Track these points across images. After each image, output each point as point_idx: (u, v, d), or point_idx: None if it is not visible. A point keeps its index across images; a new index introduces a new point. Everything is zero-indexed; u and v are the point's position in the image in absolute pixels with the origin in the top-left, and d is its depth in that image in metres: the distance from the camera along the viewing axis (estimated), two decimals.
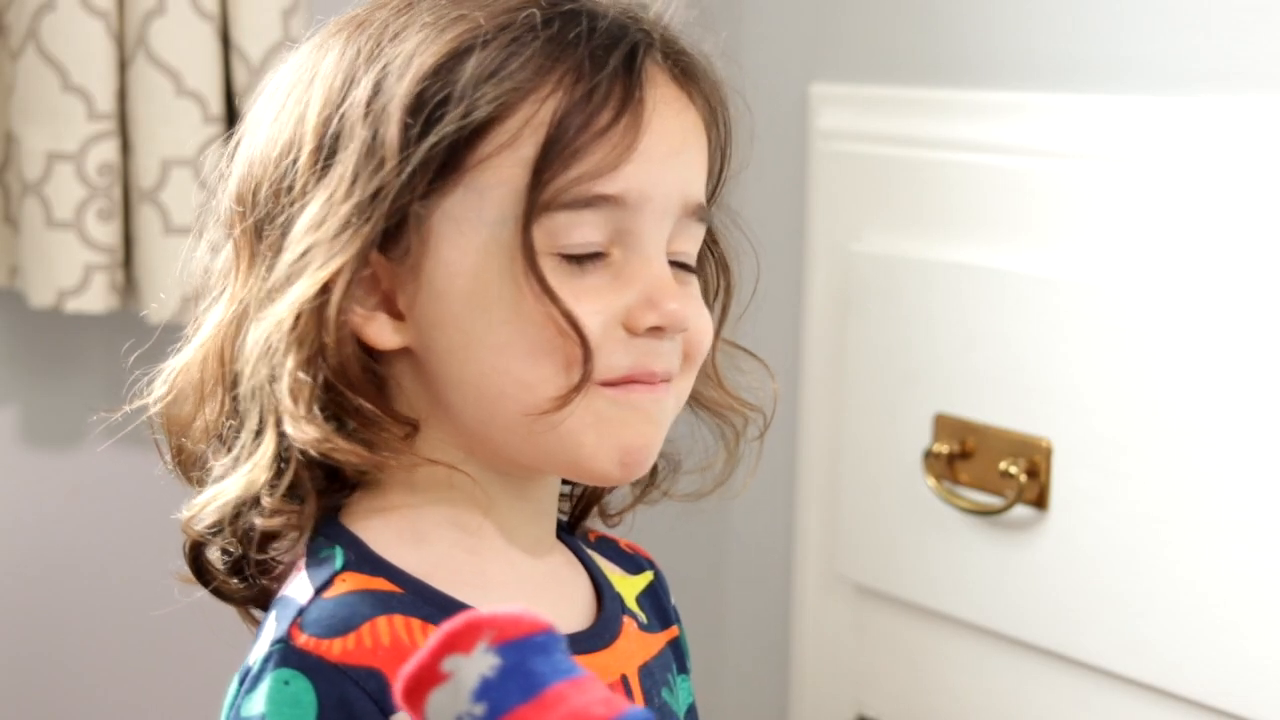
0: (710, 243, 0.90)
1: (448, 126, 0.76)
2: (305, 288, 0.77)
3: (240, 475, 0.82)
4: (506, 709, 0.64)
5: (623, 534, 0.98)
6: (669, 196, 0.81)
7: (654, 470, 0.92)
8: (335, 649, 0.76)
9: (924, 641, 1.57)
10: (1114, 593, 1.37)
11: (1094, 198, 1.39)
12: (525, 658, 0.65)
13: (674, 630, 0.95)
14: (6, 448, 1.59)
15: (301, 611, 0.78)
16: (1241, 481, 1.27)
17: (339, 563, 0.81)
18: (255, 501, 0.82)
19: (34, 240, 1.46)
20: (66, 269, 1.46)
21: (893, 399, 1.56)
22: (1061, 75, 1.44)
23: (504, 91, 0.77)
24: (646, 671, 0.88)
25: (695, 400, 0.90)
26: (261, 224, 0.81)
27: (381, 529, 0.82)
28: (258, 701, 0.76)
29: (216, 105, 1.49)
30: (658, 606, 0.94)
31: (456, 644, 0.65)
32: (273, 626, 0.79)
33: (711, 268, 0.91)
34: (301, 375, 0.77)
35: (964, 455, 1.50)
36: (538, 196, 0.77)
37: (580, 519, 0.94)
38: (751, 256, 0.95)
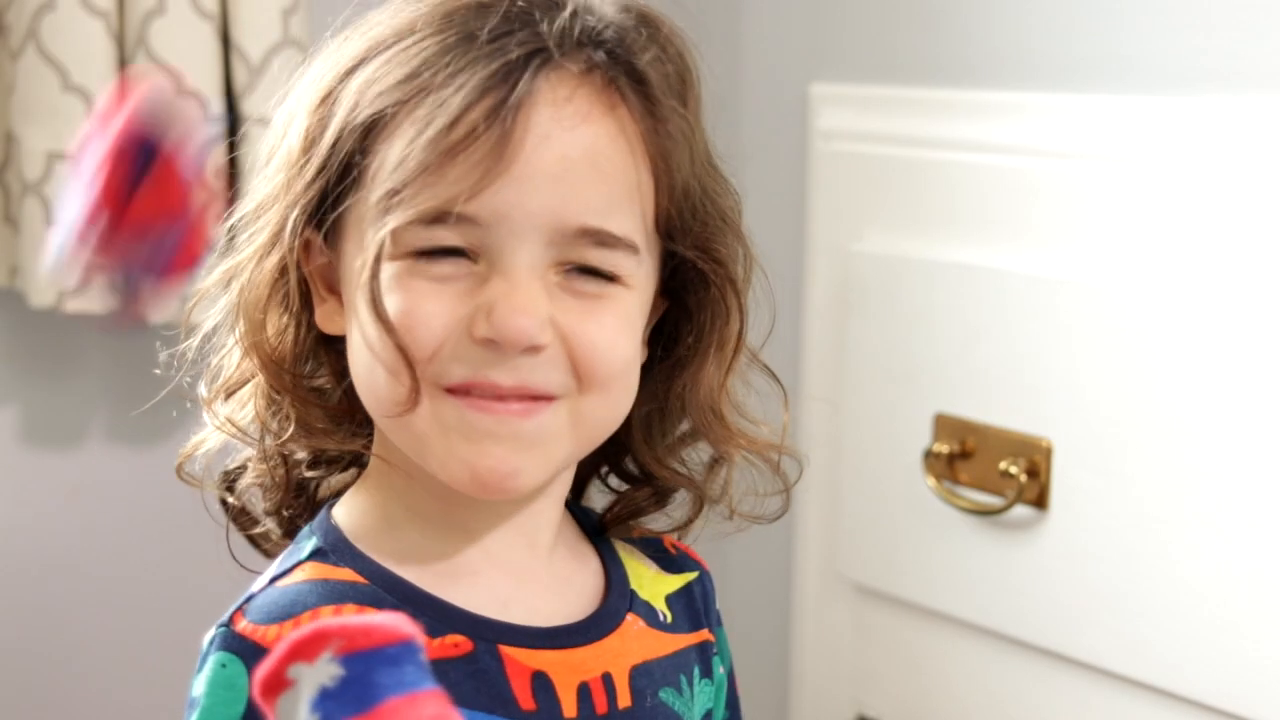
0: (704, 264, 0.85)
1: (333, 131, 0.79)
2: (242, 273, 0.84)
3: (210, 430, 0.89)
4: None
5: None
6: (531, 218, 0.77)
7: (699, 502, 0.92)
8: (270, 635, 0.78)
9: (924, 641, 1.57)
10: (1114, 592, 1.37)
11: (1094, 198, 1.39)
12: (369, 669, 0.65)
13: (705, 634, 0.93)
14: (6, 448, 1.59)
15: (250, 598, 0.81)
16: (1242, 481, 1.27)
17: (306, 552, 0.83)
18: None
19: (34, 240, 1.46)
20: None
21: (893, 399, 1.56)
22: (1061, 75, 1.44)
23: (375, 97, 0.78)
24: (643, 671, 0.87)
25: (703, 437, 0.89)
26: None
27: (360, 516, 0.85)
28: (199, 682, 0.79)
29: (216, 105, 1.48)
30: (692, 609, 0.93)
31: (302, 652, 0.65)
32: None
33: (710, 294, 0.86)
34: (224, 358, 0.85)
35: (964, 455, 1.50)
36: (384, 208, 0.77)
37: (614, 523, 0.93)
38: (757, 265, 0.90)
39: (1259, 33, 1.30)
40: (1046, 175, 1.43)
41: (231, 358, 0.86)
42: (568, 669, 0.83)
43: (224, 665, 0.78)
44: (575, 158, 0.78)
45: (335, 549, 0.83)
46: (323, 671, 0.65)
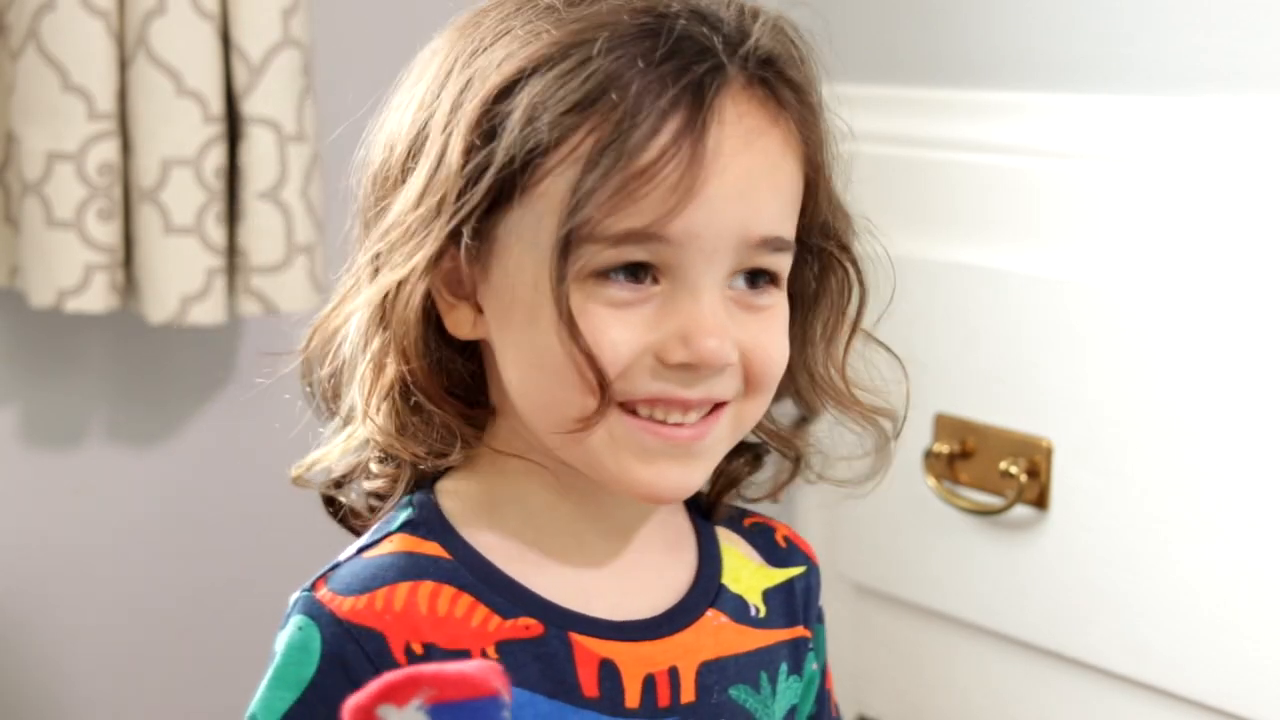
0: (834, 250, 0.89)
1: (503, 151, 0.78)
2: (379, 286, 0.82)
3: (337, 446, 0.89)
4: None
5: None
6: (721, 237, 0.79)
7: (797, 460, 0.94)
8: (345, 605, 0.81)
9: (924, 641, 1.57)
10: (1114, 592, 1.37)
11: (1095, 197, 1.39)
12: None
13: (800, 630, 0.93)
14: (6, 447, 1.59)
15: (336, 566, 0.84)
16: (1242, 481, 1.27)
17: (398, 523, 0.85)
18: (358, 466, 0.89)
19: (34, 240, 1.46)
20: (67, 269, 1.46)
21: (893, 399, 1.56)
22: (1062, 75, 1.44)
23: (555, 119, 0.77)
24: (715, 667, 0.87)
25: (824, 403, 0.92)
26: (368, 210, 0.86)
27: (463, 498, 0.86)
28: (280, 638, 0.82)
29: (217, 105, 1.48)
30: (790, 605, 0.93)
31: (393, 695, 0.66)
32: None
33: (838, 276, 0.90)
34: (371, 370, 0.83)
35: (964, 455, 1.50)
36: (570, 229, 0.77)
37: (717, 500, 0.94)
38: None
39: (1259, 33, 1.30)
40: (1047, 175, 1.43)
41: (360, 370, 0.85)
42: (636, 660, 0.84)
43: (300, 629, 0.81)
44: (757, 172, 0.80)
45: (427, 522, 0.85)
46: (411, 718, 0.66)
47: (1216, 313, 1.29)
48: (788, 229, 0.83)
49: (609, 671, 0.83)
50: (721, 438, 0.84)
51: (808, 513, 1.69)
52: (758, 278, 0.82)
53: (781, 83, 0.82)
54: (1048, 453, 1.42)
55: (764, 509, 0.97)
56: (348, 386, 0.86)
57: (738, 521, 0.95)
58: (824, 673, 0.98)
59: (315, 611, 0.81)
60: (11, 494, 1.60)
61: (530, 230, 0.79)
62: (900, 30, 1.60)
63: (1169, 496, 1.32)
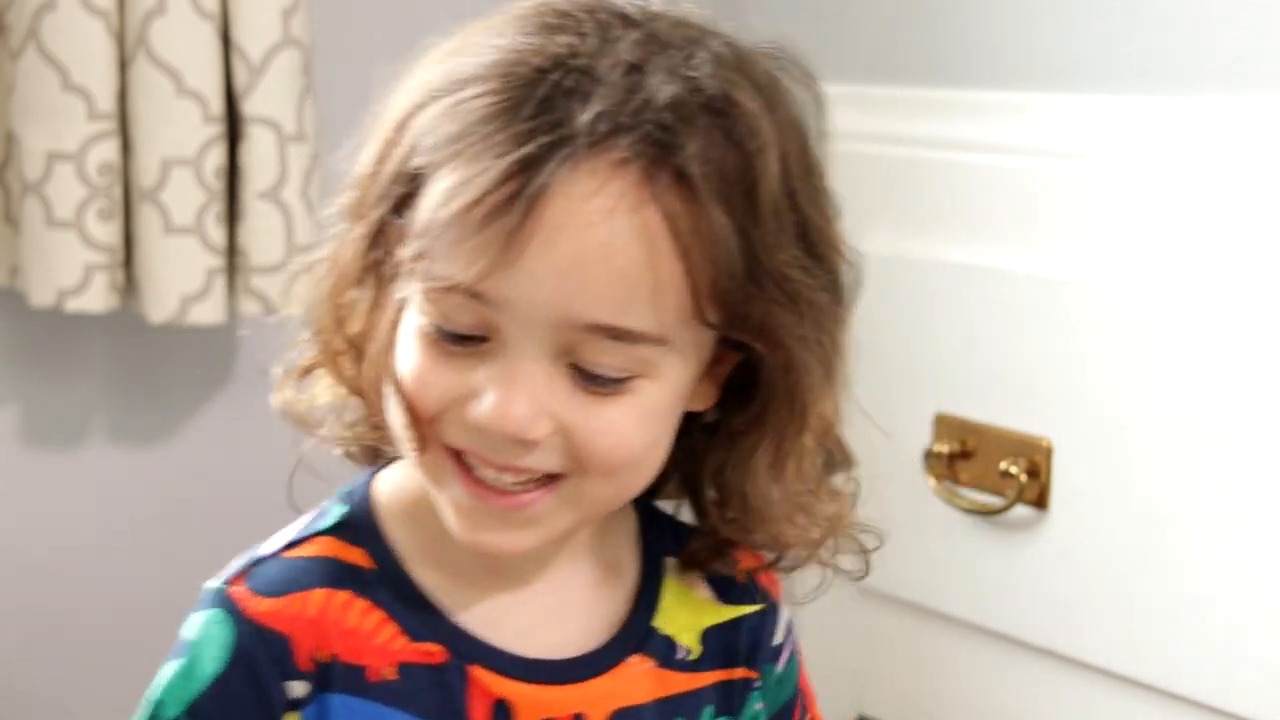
0: (764, 352, 0.81)
1: (390, 168, 0.79)
2: (315, 274, 0.85)
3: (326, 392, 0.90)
4: None
5: None
6: (538, 310, 0.75)
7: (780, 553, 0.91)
8: (261, 606, 0.81)
9: (924, 641, 1.57)
10: (1114, 592, 1.37)
11: (1095, 198, 1.39)
12: None
13: (739, 671, 0.90)
14: (6, 447, 1.59)
15: (257, 562, 0.84)
16: (1242, 481, 1.27)
17: (328, 524, 0.84)
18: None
19: (34, 240, 1.46)
20: (67, 268, 1.46)
21: (893, 399, 1.56)
22: (1062, 75, 1.44)
23: (425, 150, 0.77)
24: (630, 714, 0.84)
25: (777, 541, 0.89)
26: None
27: (398, 492, 0.85)
28: (192, 625, 0.83)
29: (217, 105, 1.48)
30: (730, 645, 0.90)
31: None
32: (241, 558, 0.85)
33: (776, 387, 0.83)
34: (294, 348, 0.86)
35: (964, 455, 1.49)
36: (409, 268, 0.77)
37: (691, 561, 0.90)
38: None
39: (1259, 33, 1.30)
40: (1047, 175, 1.43)
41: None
42: (535, 704, 0.82)
43: (215, 623, 0.81)
44: (589, 255, 0.74)
45: (356, 525, 0.84)
46: None
47: (1217, 313, 1.29)
48: (638, 319, 0.76)
49: (501, 712, 0.81)
50: (553, 511, 0.79)
51: None
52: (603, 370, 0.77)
53: (661, 166, 0.75)
54: (1048, 453, 1.42)
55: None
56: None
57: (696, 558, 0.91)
58: (793, 707, 0.95)
59: (230, 607, 0.81)
60: (11, 494, 1.60)
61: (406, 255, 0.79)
62: (902, 31, 1.60)
63: (1169, 496, 1.32)
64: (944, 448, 1.50)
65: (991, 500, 1.47)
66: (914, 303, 1.53)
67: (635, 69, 0.76)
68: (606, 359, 0.77)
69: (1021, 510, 1.44)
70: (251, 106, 1.49)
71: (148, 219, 1.48)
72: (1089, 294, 1.38)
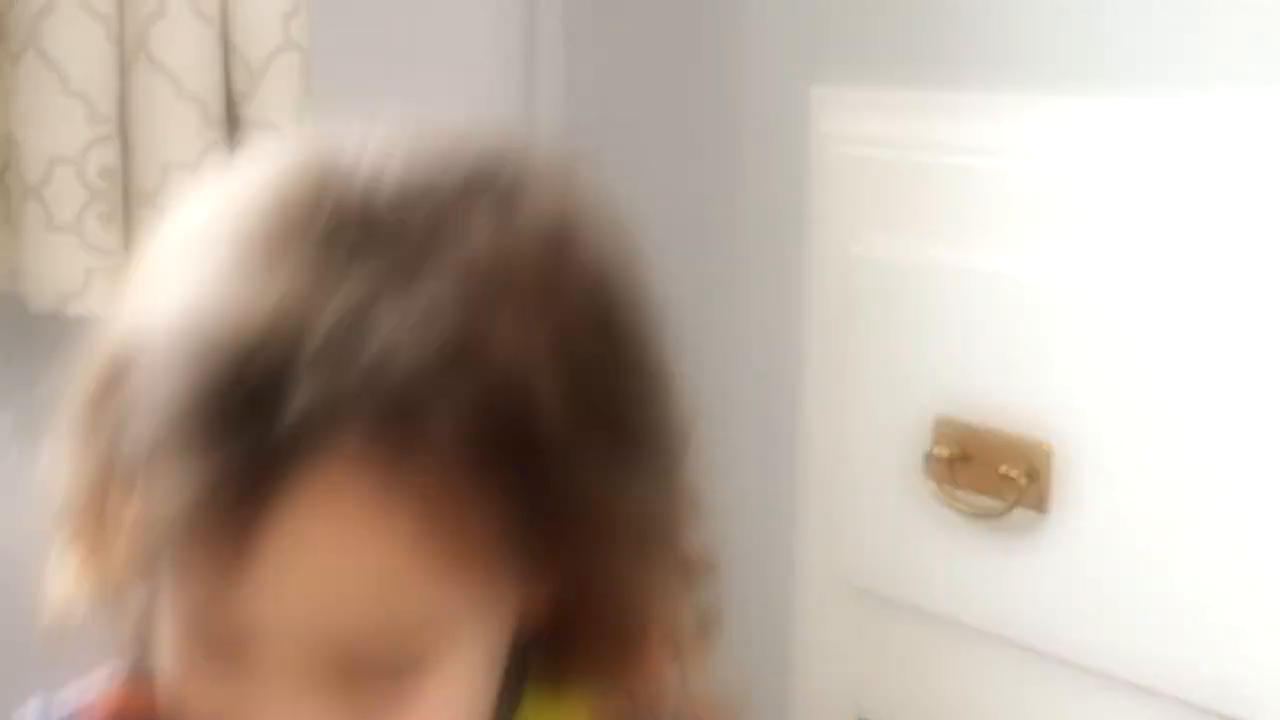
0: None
1: (95, 475, 0.74)
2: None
3: None
4: None
5: None
6: (287, 632, 0.65)
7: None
8: None
9: (924, 644, 1.57)
10: (1115, 596, 1.37)
11: (1095, 201, 1.39)
12: None
13: None
14: (6, 449, 1.59)
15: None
16: (1242, 483, 1.27)
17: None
18: None
19: (35, 243, 1.46)
20: (67, 272, 1.46)
21: (893, 402, 1.56)
22: (1063, 78, 1.44)
23: (130, 437, 0.69)
24: None
25: None
26: None
27: None
28: None
29: (217, 108, 1.48)
30: None
31: None
32: None
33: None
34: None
35: (964, 458, 1.49)
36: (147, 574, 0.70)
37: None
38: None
39: (1259, 33, 1.30)
40: (1047, 178, 1.43)
41: None
42: None
43: None
44: (336, 561, 0.63)
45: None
46: None
47: (1217, 315, 1.29)
48: (396, 620, 0.64)
49: None
50: None
51: (808, 515, 1.69)
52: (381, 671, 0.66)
53: (408, 450, 0.61)
54: (1048, 456, 1.42)
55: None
56: None
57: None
58: None
59: None
60: (11, 496, 1.60)
61: None
62: (902, 33, 1.60)
63: (1169, 499, 1.32)
64: (944, 451, 1.50)
65: (992, 503, 1.47)
66: (912, 306, 1.53)
67: (360, 316, 0.61)
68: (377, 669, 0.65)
69: (1021, 513, 1.44)
70: (251, 110, 1.49)
71: (149, 222, 1.48)
72: (1090, 297, 1.38)
